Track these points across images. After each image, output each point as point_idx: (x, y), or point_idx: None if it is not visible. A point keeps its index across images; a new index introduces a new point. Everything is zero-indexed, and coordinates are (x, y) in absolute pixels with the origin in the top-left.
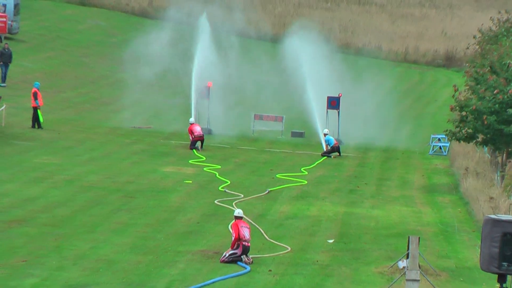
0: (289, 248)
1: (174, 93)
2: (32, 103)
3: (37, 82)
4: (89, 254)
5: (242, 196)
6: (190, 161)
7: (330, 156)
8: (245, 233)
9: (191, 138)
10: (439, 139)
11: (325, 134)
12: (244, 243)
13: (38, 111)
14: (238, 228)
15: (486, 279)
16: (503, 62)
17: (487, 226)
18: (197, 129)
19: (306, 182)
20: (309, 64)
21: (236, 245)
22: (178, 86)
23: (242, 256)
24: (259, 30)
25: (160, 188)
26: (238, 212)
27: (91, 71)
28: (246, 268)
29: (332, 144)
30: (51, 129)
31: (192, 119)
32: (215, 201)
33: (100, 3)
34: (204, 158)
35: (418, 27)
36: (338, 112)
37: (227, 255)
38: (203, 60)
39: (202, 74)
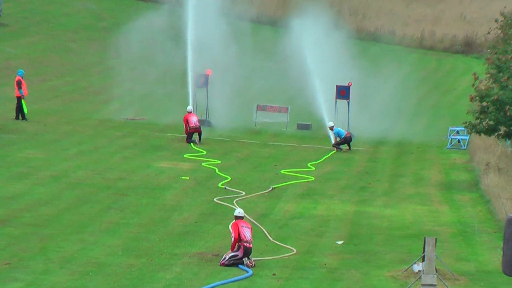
0: (295, 250)
1: (170, 82)
2: (16, 93)
3: (21, 70)
4: (78, 257)
5: (244, 193)
6: (185, 155)
7: (341, 149)
8: (246, 233)
9: (186, 129)
10: (457, 132)
11: (331, 127)
12: (245, 244)
13: (22, 101)
14: (238, 228)
15: (508, 284)
16: None
17: (509, 227)
18: (193, 120)
19: (313, 178)
20: (316, 50)
21: (236, 246)
22: (174, 74)
23: (243, 259)
24: (261, 13)
25: (154, 185)
26: (238, 211)
27: (79, 58)
28: (248, 272)
29: (344, 135)
30: (36, 120)
31: (190, 107)
32: (214, 199)
33: None
34: (205, 152)
35: (434, 10)
36: (348, 103)
37: (227, 257)
38: (200, 45)
39: (200, 60)
